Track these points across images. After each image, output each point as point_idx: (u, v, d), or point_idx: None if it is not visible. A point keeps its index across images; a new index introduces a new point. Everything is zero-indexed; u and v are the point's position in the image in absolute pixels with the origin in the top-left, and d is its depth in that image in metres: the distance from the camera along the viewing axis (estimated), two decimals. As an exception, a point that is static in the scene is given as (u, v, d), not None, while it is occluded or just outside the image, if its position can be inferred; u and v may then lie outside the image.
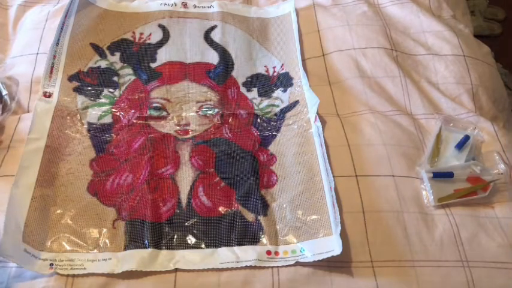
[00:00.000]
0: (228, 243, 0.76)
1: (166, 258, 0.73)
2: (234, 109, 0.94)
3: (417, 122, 0.92)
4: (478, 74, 1.00)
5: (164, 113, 0.93)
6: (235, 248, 0.75)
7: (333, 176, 0.80)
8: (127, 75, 0.98)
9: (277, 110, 0.95)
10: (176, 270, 0.72)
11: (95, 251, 0.74)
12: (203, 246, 0.76)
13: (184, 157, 0.86)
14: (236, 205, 0.80)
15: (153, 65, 1.00)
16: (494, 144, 0.89)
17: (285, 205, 0.80)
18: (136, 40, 1.04)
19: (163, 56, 1.02)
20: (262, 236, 0.77)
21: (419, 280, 0.72)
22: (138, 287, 0.70)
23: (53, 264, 0.71)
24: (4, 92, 0.92)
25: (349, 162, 0.84)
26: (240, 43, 1.05)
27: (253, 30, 1.08)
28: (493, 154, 0.87)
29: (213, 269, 0.72)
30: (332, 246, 0.73)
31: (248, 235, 0.77)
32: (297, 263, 0.72)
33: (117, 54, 1.01)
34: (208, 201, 0.81)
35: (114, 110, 0.92)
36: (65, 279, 0.70)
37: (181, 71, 1.00)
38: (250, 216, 0.79)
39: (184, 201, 0.81)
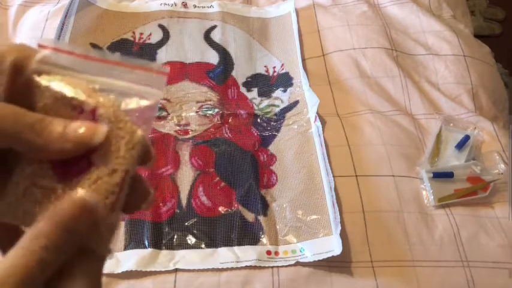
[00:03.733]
0: (228, 243, 0.76)
1: (166, 258, 0.73)
2: (234, 109, 0.94)
3: (417, 122, 0.92)
4: (478, 74, 0.99)
5: (164, 113, 0.93)
6: (235, 248, 0.75)
7: (333, 176, 0.80)
8: (127, 75, 0.98)
9: (277, 110, 0.95)
10: (176, 270, 0.72)
11: (95, 251, 0.74)
12: (203, 246, 0.76)
13: (184, 157, 0.86)
14: (236, 205, 0.80)
15: (153, 65, 1.00)
16: (494, 144, 0.89)
17: (285, 205, 0.80)
18: (137, 40, 1.04)
19: (163, 56, 1.02)
20: (262, 236, 0.77)
21: (419, 280, 0.72)
22: (138, 287, 0.70)
23: (53, 264, 0.71)
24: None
25: (349, 162, 0.84)
26: (240, 43, 1.05)
27: (253, 30, 1.08)
28: (493, 154, 0.87)
29: (213, 269, 0.72)
30: (332, 246, 0.72)
31: (248, 235, 0.77)
32: (297, 263, 0.72)
33: (117, 55, 1.01)
34: (208, 201, 0.81)
35: (114, 110, 0.92)
36: (65, 279, 0.70)
37: (181, 71, 1.00)
38: (250, 216, 0.79)
39: (184, 201, 0.81)
